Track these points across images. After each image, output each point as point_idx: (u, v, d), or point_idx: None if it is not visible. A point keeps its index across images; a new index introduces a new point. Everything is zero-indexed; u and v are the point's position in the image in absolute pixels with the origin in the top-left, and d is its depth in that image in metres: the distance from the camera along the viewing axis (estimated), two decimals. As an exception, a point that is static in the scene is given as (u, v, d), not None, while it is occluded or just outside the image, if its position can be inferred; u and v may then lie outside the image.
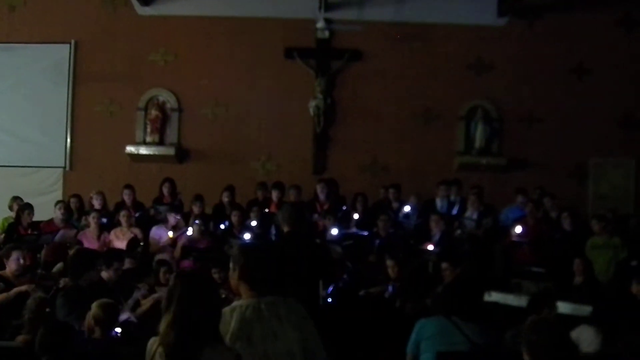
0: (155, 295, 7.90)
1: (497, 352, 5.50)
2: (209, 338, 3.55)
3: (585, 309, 6.53)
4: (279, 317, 4.01)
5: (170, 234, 9.80)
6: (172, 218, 10.12)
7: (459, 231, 10.04)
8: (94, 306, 5.40)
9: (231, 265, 4.19)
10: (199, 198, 10.51)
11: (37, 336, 5.05)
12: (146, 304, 7.73)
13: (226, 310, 3.95)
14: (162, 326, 3.55)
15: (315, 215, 10.38)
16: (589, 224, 10.13)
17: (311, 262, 6.05)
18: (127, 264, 8.27)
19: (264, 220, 10.22)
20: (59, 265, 8.30)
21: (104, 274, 7.08)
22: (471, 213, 10.51)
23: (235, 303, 4.09)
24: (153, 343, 3.62)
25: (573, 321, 6.12)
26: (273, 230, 9.72)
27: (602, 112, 12.98)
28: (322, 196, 10.94)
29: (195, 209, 10.39)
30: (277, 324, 3.99)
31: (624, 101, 13.00)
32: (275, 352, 3.93)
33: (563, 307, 6.39)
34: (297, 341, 4.00)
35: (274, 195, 11.05)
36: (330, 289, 7.89)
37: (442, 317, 5.68)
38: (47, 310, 6.03)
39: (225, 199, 11.08)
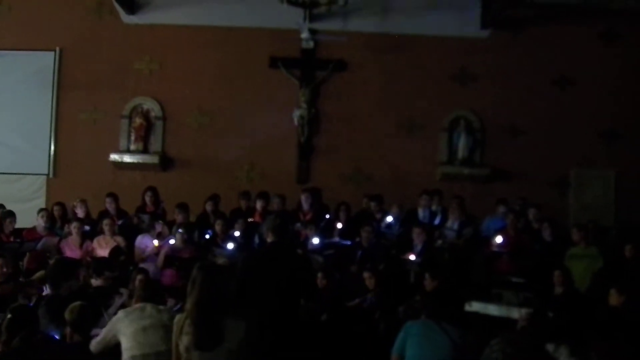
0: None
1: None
2: (223, 310, 4.87)
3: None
4: None
5: (156, 242, 9.73)
6: (158, 226, 10.11)
7: (439, 241, 10.09)
8: (67, 312, 5.43)
9: None
10: (182, 206, 10.49)
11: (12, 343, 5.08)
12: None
13: None
14: (188, 305, 4.92)
15: (298, 225, 10.41)
16: (570, 234, 10.20)
17: (292, 274, 6.08)
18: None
19: (247, 229, 10.22)
20: (40, 273, 8.27)
21: (94, 282, 7.10)
22: (452, 223, 10.53)
23: None
24: (180, 318, 4.95)
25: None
26: (257, 240, 9.74)
27: (584, 123, 13.11)
28: (306, 206, 10.98)
29: (178, 218, 10.37)
30: None
31: (605, 113, 13.12)
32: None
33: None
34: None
35: (258, 204, 11.05)
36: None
37: (428, 320, 5.79)
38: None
39: (209, 208, 11.08)
